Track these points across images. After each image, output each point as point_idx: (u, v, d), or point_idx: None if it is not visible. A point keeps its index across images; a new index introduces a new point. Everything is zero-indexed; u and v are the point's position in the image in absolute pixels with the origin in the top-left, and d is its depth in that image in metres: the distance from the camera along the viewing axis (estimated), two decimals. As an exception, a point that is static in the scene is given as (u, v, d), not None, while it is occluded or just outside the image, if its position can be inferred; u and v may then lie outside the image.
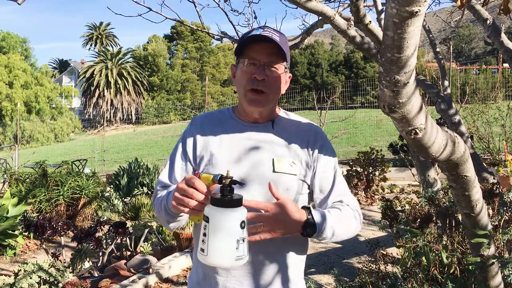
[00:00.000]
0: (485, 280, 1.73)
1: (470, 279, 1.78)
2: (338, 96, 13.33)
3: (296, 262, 1.33)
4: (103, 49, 47.26)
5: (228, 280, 1.28)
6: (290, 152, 1.33)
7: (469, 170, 1.47)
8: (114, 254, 4.40)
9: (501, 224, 2.21)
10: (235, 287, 1.28)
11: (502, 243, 2.07)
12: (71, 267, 3.92)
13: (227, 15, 3.18)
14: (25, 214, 5.23)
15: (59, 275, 3.49)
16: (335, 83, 33.42)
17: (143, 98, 41.73)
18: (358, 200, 5.04)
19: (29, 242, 5.44)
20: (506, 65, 15.65)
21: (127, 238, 4.38)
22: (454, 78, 15.16)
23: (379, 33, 2.27)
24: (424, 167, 3.45)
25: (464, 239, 2.12)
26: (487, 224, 1.67)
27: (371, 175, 7.75)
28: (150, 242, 4.83)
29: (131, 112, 40.91)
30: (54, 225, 4.12)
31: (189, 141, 1.38)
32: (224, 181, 1.08)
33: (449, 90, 3.55)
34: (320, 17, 2.43)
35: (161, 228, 5.03)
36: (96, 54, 45.76)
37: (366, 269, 2.64)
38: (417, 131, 1.19)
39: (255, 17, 4.96)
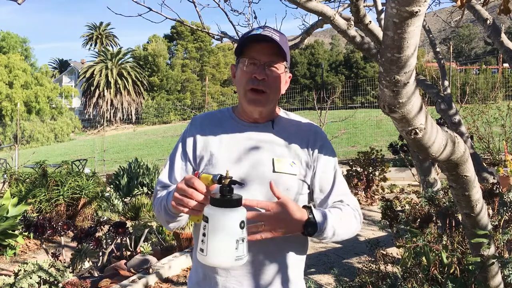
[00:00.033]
0: (485, 280, 1.73)
1: (470, 279, 1.78)
2: (338, 96, 13.33)
3: (296, 262, 1.33)
4: (103, 49, 47.26)
5: (227, 280, 1.28)
6: (290, 152, 1.33)
7: (469, 170, 1.47)
8: (114, 254, 4.40)
9: (501, 224, 2.21)
10: (235, 287, 1.27)
11: (502, 243, 2.07)
12: (71, 267, 3.92)
13: (227, 15, 3.18)
14: (25, 214, 5.23)
15: (59, 275, 3.49)
16: (335, 83, 33.42)
17: (143, 98, 41.73)
18: (358, 200, 5.04)
19: (29, 242, 5.44)
20: (506, 65, 15.65)
21: (127, 238, 4.38)
22: (454, 78, 15.16)
23: (379, 33, 2.27)
24: (424, 167, 3.44)
25: (464, 239, 2.12)
26: (487, 224, 1.66)
27: (371, 175, 7.75)
28: (150, 242, 4.83)
29: (131, 112, 40.91)
30: (54, 225, 4.12)
31: (189, 141, 1.38)
32: (223, 181, 1.08)
33: (449, 90, 3.55)
34: (320, 17, 2.43)
35: (161, 228, 5.03)
36: (96, 54, 45.77)
37: (366, 269, 2.64)
38: (417, 131, 1.19)
39: (255, 17, 4.96)
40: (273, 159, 1.30)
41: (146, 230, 4.66)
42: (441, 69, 3.85)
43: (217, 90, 42.86)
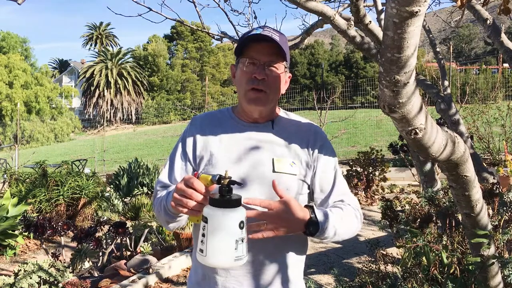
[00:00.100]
0: (485, 280, 1.73)
1: (470, 279, 1.78)
2: (338, 96, 13.33)
3: (296, 262, 1.33)
4: (103, 49, 47.27)
5: (227, 280, 1.28)
6: (290, 152, 1.33)
7: (469, 170, 1.47)
8: (114, 254, 4.40)
9: (501, 224, 2.21)
10: (234, 287, 1.27)
11: (502, 243, 2.07)
12: (71, 267, 3.92)
13: (227, 15, 3.18)
14: (25, 214, 5.23)
15: (59, 275, 3.49)
16: (335, 83, 33.42)
17: (143, 98, 41.73)
18: (358, 200, 5.04)
19: (29, 242, 5.44)
20: (506, 65, 15.65)
21: (127, 238, 4.38)
22: (454, 78, 15.16)
23: (379, 33, 2.27)
24: (426, 170, 3.44)
25: (464, 239, 2.11)
26: (487, 224, 1.66)
27: (371, 175, 7.75)
28: (150, 242, 4.83)
29: (131, 112, 40.91)
30: (54, 225, 4.12)
31: (189, 141, 1.38)
32: (222, 181, 1.08)
33: (449, 90, 3.55)
34: (320, 17, 2.42)
35: (161, 228, 5.03)
36: (96, 54, 45.77)
37: (366, 269, 2.64)
38: (417, 131, 1.19)
39: (255, 17, 4.96)
40: (273, 159, 1.30)
41: (146, 230, 4.66)
42: (441, 69, 3.86)
43: (217, 90, 42.87)
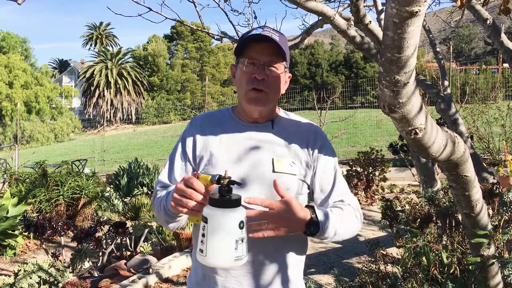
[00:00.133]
0: (485, 280, 1.73)
1: (470, 279, 1.78)
2: (338, 96, 13.34)
3: (295, 262, 1.33)
4: (103, 49, 47.26)
5: (227, 280, 1.28)
6: (290, 152, 1.33)
7: (469, 170, 1.47)
8: (114, 254, 4.40)
9: (501, 224, 2.21)
10: (234, 287, 1.27)
11: (502, 243, 2.07)
12: (71, 267, 3.92)
13: (227, 15, 3.19)
14: (25, 214, 5.23)
15: (59, 275, 3.49)
16: (335, 83, 33.42)
17: (143, 98, 41.74)
18: (358, 200, 5.04)
19: (29, 242, 5.44)
20: (506, 65, 15.65)
21: (127, 238, 4.38)
22: (454, 78, 15.16)
23: (379, 33, 2.27)
24: (425, 169, 3.44)
25: (464, 239, 2.11)
26: (487, 224, 1.66)
27: (371, 175, 7.75)
28: (150, 242, 4.83)
29: (131, 112, 40.91)
30: (54, 225, 4.12)
31: (189, 141, 1.38)
32: (222, 181, 1.08)
33: (449, 90, 3.55)
34: (320, 17, 2.43)
35: (161, 228, 5.03)
36: (96, 54, 45.77)
37: (366, 269, 2.64)
38: (417, 131, 1.19)
39: (255, 17, 4.96)
40: (273, 159, 1.30)
41: (146, 230, 4.66)
42: (441, 69, 3.86)
43: (217, 90, 42.87)
